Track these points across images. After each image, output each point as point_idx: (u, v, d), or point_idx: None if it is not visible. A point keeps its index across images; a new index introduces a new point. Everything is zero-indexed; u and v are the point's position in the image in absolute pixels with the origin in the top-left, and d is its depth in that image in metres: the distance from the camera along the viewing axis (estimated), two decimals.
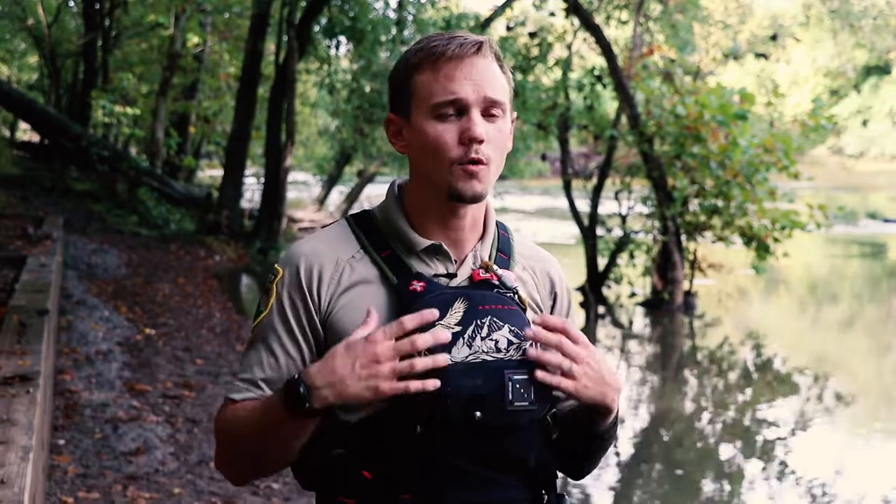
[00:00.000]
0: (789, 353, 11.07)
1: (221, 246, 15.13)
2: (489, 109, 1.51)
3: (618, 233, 13.78)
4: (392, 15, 17.34)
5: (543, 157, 20.12)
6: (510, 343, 1.46)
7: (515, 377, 1.44)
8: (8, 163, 20.44)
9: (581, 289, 12.65)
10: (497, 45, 1.57)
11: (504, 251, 1.62)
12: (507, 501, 1.50)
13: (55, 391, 5.83)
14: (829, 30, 51.75)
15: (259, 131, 18.35)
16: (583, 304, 12.20)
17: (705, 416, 8.15)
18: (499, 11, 18.01)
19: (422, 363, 1.39)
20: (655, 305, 12.70)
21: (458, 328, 1.44)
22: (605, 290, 13.52)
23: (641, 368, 10.18)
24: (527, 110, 14.57)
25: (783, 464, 6.71)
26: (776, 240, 12.45)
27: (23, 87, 27.09)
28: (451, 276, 1.54)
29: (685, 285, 12.82)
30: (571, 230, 17.47)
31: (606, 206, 14.09)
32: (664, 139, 12.70)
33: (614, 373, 1.53)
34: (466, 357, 1.42)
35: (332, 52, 18.89)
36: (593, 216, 13.83)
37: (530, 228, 22.91)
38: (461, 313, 1.45)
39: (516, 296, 1.52)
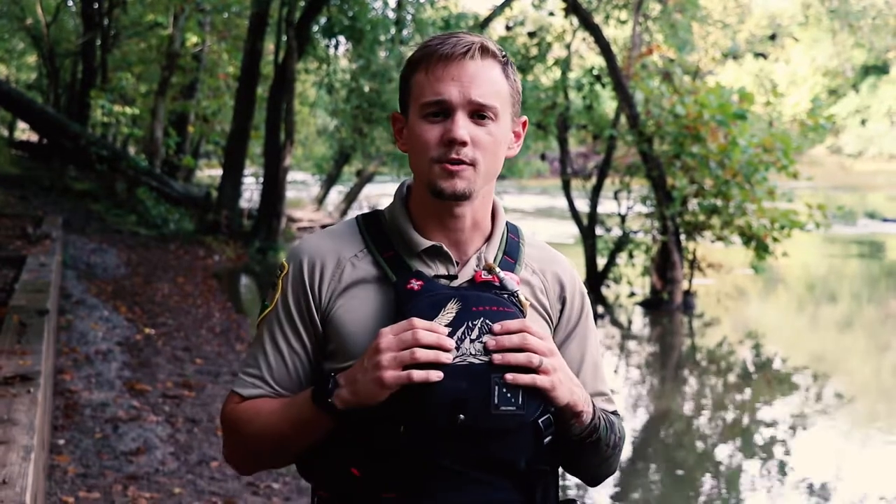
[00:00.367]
0: (788, 352, 11.08)
1: (220, 245, 15.13)
2: (478, 112, 1.50)
3: (617, 232, 13.78)
4: (391, 15, 17.35)
5: (542, 157, 20.11)
6: None
7: (502, 381, 1.42)
8: (7, 162, 20.43)
9: None
10: (501, 49, 1.55)
11: (511, 254, 1.61)
12: (496, 503, 1.49)
13: (55, 391, 5.83)
14: (828, 29, 51.76)
15: (258, 131, 18.35)
16: None
17: (704, 415, 8.15)
18: (498, 11, 18.00)
19: (424, 354, 1.39)
20: (655, 305, 12.70)
21: (447, 329, 1.43)
22: (604, 290, 13.52)
23: (641, 368, 10.19)
24: (526, 110, 14.55)
25: (782, 463, 6.72)
26: (775, 239, 12.46)
27: (21, 87, 27.08)
28: (452, 277, 1.54)
29: (684, 285, 12.83)
30: (570, 230, 17.47)
31: (605, 206, 14.09)
32: (663, 139, 12.70)
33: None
34: (453, 359, 1.41)
35: (331, 51, 18.89)
36: (592, 216, 13.83)
37: (529, 228, 22.75)
38: (453, 314, 1.44)
39: (515, 298, 1.50)
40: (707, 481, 6.31)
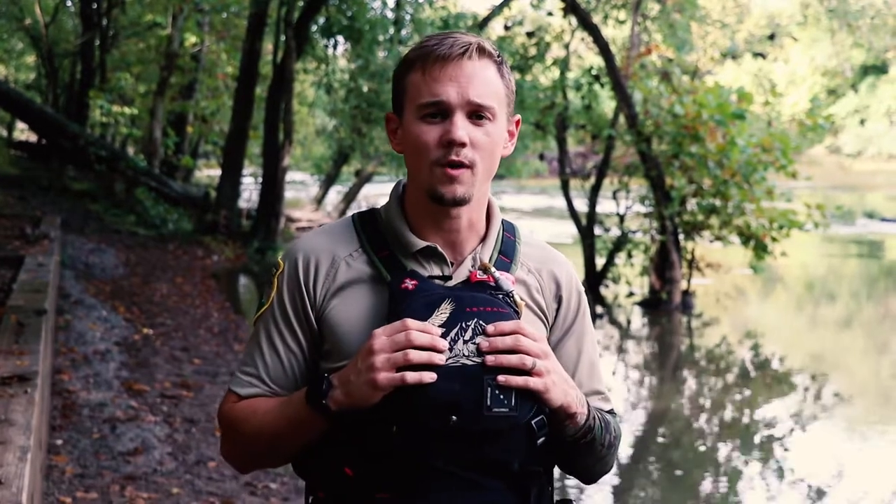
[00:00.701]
0: (787, 352, 11.08)
1: (219, 245, 15.12)
2: (476, 113, 1.49)
3: (616, 232, 13.78)
4: (390, 14, 17.34)
5: (541, 157, 20.13)
6: None
7: (495, 382, 1.40)
8: (5, 162, 20.42)
9: None
10: (496, 49, 1.55)
11: (506, 254, 1.60)
12: None
13: (53, 391, 5.82)
14: (827, 29, 51.79)
15: (257, 131, 18.34)
16: None
17: (703, 415, 8.15)
18: (496, 11, 18.00)
19: (417, 356, 1.38)
20: (653, 305, 12.71)
21: (441, 330, 1.42)
22: (602, 290, 13.52)
23: (639, 368, 10.19)
24: (524, 110, 14.56)
25: (781, 463, 6.72)
26: (774, 239, 12.46)
27: (20, 87, 27.07)
28: (447, 278, 1.53)
29: (683, 285, 12.83)
30: (569, 230, 17.47)
31: (604, 206, 14.09)
32: (662, 138, 12.71)
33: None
34: (446, 360, 1.40)
35: (330, 51, 18.87)
36: (591, 216, 13.83)
37: (528, 228, 22.78)
38: (447, 314, 1.43)
39: (510, 299, 1.49)
40: (706, 481, 6.31)
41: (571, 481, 5.28)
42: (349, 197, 23.44)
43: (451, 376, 1.39)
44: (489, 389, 1.40)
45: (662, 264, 12.73)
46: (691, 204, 12.82)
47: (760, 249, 12.46)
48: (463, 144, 1.48)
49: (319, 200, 24.04)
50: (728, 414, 8.18)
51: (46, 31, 21.70)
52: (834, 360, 10.79)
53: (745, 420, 7.93)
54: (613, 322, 12.52)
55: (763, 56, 21.83)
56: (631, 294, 13.44)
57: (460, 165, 1.48)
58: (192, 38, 20.48)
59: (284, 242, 15.92)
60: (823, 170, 41.84)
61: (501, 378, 1.40)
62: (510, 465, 1.49)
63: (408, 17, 17.45)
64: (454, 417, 1.39)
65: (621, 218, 13.58)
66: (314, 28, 16.81)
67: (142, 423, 5.63)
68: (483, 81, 1.50)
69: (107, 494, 4.50)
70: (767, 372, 9.90)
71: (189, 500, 4.58)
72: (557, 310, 1.64)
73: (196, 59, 21.59)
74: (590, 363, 1.66)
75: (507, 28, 16.87)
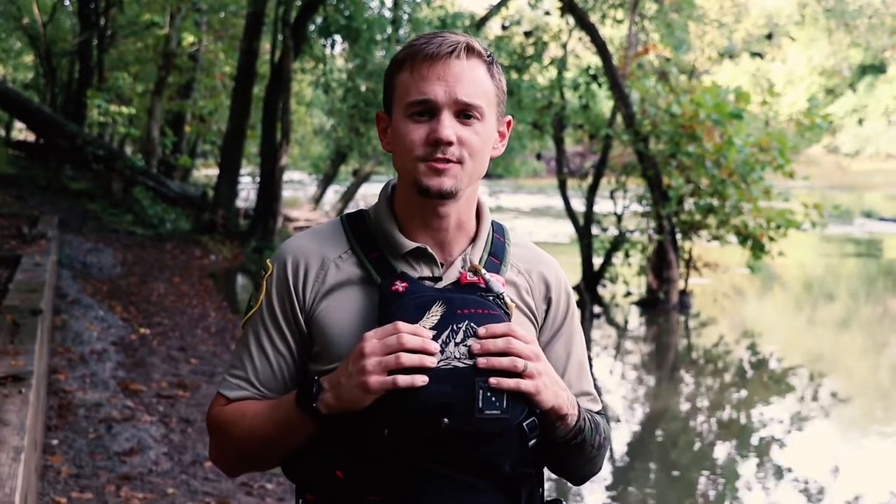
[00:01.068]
0: (785, 352, 11.08)
1: (217, 245, 15.10)
2: (464, 112, 1.49)
3: (613, 232, 13.77)
4: (387, 14, 17.35)
5: (539, 157, 20.10)
6: None
7: (486, 384, 1.40)
8: (3, 162, 20.40)
9: (576, 288, 12.64)
10: (487, 48, 1.54)
11: (496, 255, 1.59)
12: None
13: (49, 391, 5.82)
14: (825, 29, 51.82)
15: (254, 130, 18.33)
16: (578, 304, 12.18)
17: (701, 415, 8.15)
18: (494, 10, 18.00)
19: (408, 359, 1.38)
20: (651, 304, 12.71)
21: (432, 332, 1.41)
22: (600, 290, 13.51)
23: (637, 368, 10.19)
24: (522, 109, 14.56)
25: (778, 463, 6.72)
26: (771, 239, 12.46)
27: (18, 87, 27.05)
28: (437, 279, 1.53)
29: (680, 284, 12.83)
30: (567, 229, 17.47)
31: (602, 206, 14.08)
32: (659, 138, 12.71)
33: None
34: (438, 363, 1.39)
35: (328, 51, 18.88)
36: (588, 215, 13.82)
37: (525, 228, 22.89)
38: (438, 317, 1.43)
39: (500, 300, 1.49)
40: (703, 481, 6.30)
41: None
42: (347, 196, 23.43)
43: (443, 379, 1.39)
44: (481, 392, 1.40)
45: (660, 264, 12.73)
46: (689, 203, 12.82)
47: (758, 249, 12.46)
48: (449, 143, 1.47)
49: (317, 200, 24.03)
50: (725, 414, 8.18)
51: (44, 31, 21.71)
52: (831, 359, 10.80)
53: (743, 420, 7.93)
54: (611, 322, 12.53)
55: (761, 55, 21.85)
56: (628, 294, 13.43)
57: (447, 161, 1.48)
58: (189, 38, 20.49)
59: (282, 242, 15.91)
60: (821, 169, 41.87)
61: (493, 380, 1.40)
62: (501, 467, 1.48)
63: (405, 17, 17.45)
64: (446, 420, 1.39)
65: (619, 217, 13.58)
66: (312, 27, 16.81)
67: (138, 423, 5.63)
68: (471, 81, 1.50)
69: (102, 495, 4.49)
70: (765, 372, 9.91)
71: (184, 500, 4.57)
72: (547, 311, 1.63)
73: (194, 58, 21.58)
74: (579, 364, 1.66)
75: (504, 28, 16.85)
